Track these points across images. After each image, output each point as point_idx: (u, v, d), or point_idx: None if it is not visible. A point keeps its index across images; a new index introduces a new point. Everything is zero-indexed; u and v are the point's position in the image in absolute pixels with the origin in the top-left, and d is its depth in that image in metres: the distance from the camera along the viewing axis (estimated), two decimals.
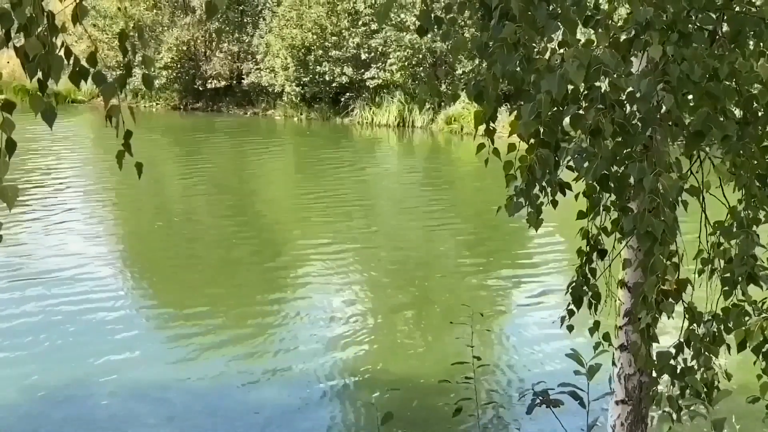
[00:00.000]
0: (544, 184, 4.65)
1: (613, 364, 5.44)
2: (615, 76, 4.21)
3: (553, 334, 12.13)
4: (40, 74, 3.61)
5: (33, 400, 10.76)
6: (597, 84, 4.32)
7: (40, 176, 25.16)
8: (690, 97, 4.63)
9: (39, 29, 3.57)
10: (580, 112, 4.36)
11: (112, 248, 18.60)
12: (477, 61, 31.92)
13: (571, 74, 4.13)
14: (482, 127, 4.74)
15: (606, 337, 5.28)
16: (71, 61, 3.77)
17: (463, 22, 5.28)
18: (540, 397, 4.98)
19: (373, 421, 7.54)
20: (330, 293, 15.47)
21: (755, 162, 4.94)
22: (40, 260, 16.67)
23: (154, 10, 42.31)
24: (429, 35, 31.28)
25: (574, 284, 5.48)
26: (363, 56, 38.90)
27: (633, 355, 5.20)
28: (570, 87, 4.29)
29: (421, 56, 38.14)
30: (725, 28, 4.84)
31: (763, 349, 4.92)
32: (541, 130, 4.49)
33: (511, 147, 4.66)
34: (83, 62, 3.80)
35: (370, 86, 38.87)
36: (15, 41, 3.59)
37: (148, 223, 21.33)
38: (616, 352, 5.43)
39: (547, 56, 4.46)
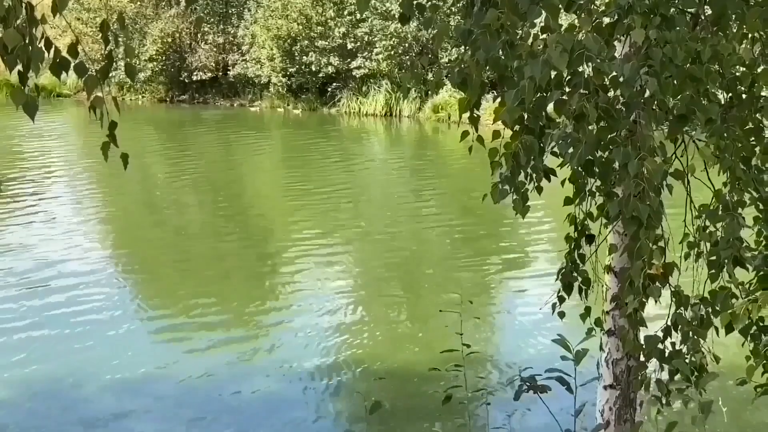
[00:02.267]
0: (529, 170, 4.64)
1: (601, 349, 5.45)
2: (598, 60, 4.20)
3: (542, 319, 12.19)
4: (20, 66, 3.60)
5: (23, 396, 10.72)
6: (580, 69, 4.31)
7: (25, 169, 25.05)
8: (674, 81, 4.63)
9: (18, 21, 3.55)
10: (564, 97, 4.35)
11: (99, 242, 18.53)
12: (462, 49, 31.95)
13: (554, 59, 4.13)
14: (466, 115, 4.73)
15: (598, 322, 5.29)
16: (52, 53, 3.75)
17: (449, 10, 5.27)
18: (527, 383, 4.99)
19: (361, 410, 7.56)
20: (318, 284, 15.45)
21: (739, 144, 4.95)
22: (27, 254, 16.60)
23: (138, 2, 42.10)
24: (413, 23, 31.23)
25: (563, 270, 5.48)
26: (349, 46, 38.80)
27: (620, 340, 5.21)
28: (553, 73, 4.28)
29: (407, 45, 38.08)
30: (708, 11, 4.84)
31: (751, 332, 4.94)
32: (525, 117, 4.48)
33: (496, 134, 4.65)
34: (64, 54, 3.78)
35: (357, 76, 38.79)
36: None
37: (136, 217, 21.28)
38: (603, 337, 5.44)
39: (530, 42, 4.45)
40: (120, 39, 3.83)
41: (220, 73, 42.13)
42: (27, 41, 3.57)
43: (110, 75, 3.95)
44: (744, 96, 5.04)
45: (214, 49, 41.74)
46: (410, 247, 18.08)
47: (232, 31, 41.93)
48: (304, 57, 39.18)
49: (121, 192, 22.93)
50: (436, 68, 5.11)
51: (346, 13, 39.20)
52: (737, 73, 4.84)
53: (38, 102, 3.76)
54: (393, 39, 37.72)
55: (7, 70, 3.63)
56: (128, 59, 3.89)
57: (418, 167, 28.60)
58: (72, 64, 3.81)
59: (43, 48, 3.67)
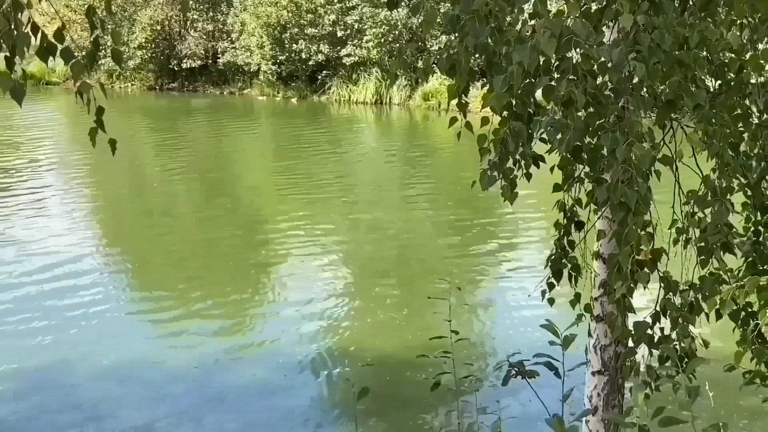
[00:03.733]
0: (517, 157, 4.64)
1: (589, 335, 5.46)
2: (587, 46, 4.19)
3: (530, 305, 12.21)
4: (6, 51, 3.58)
5: (13, 383, 10.72)
6: (568, 55, 4.30)
7: (14, 158, 24.97)
8: (662, 66, 4.62)
9: (3, 6, 3.53)
10: (552, 83, 4.34)
11: (89, 229, 18.48)
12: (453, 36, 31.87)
13: (542, 45, 4.12)
14: (455, 101, 4.72)
15: (587, 308, 5.29)
16: (38, 38, 3.73)
17: None
18: (516, 369, 4.99)
19: (349, 397, 7.56)
20: (308, 271, 15.47)
21: (728, 131, 4.95)
22: (16, 244, 16.57)
23: None
24: (403, 10, 31.04)
25: (553, 257, 5.48)
26: (339, 33, 38.75)
27: (609, 326, 5.22)
28: (542, 58, 4.27)
29: (397, 33, 38.04)
30: None
31: (741, 317, 4.96)
32: (514, 103, 4.47)
33: (485, 120, 4.64)
34: (51, 39, 3.75)
35: (347, 64, 38.75)
36: None
37: (126, 206, 21.24)
38: (591, 323, 5.44)
39: (518, 27, 4.44)
40: (107, 25, 3.78)
41: (210, 61, 42.08)
42: (12, 26, 3.55)
43: (99, 62, 3.93)
44: (732, 82, 5.05)
45: (204, 37, 41.67)
46: (400, 235, 18.10)
47: (221, 19, 41.85)
48: (294, 45, 39.12)
49: (110, 181, 22.88)
50: (426, 55, 5.11)
51: (335, 0, 39.11)
52: (725, 60, 4.84)
53: (26, 88, 3.73)
54: (383, 27, 37.69)
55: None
56: (115, 45, 3.86)
57: (408, 155, 28.60)
58: (58, 50, 3.78)
59: (30, 33, 3.65)
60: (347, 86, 39.04)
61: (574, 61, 4.25)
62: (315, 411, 10.31)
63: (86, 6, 29.29)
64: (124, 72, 41.24)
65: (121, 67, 39.69)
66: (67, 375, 10.98)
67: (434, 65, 4.72)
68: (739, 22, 5.07)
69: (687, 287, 4.98)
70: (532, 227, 18.07)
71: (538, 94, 4.41)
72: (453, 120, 4.74)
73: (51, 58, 3.78)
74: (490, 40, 4.34)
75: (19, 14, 3.60)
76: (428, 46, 34.00)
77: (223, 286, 14.62)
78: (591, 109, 4.36)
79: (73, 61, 3.74)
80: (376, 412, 9.67)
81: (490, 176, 4.56)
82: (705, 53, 4.69)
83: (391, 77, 37.18)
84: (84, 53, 3.80)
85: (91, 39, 3.82)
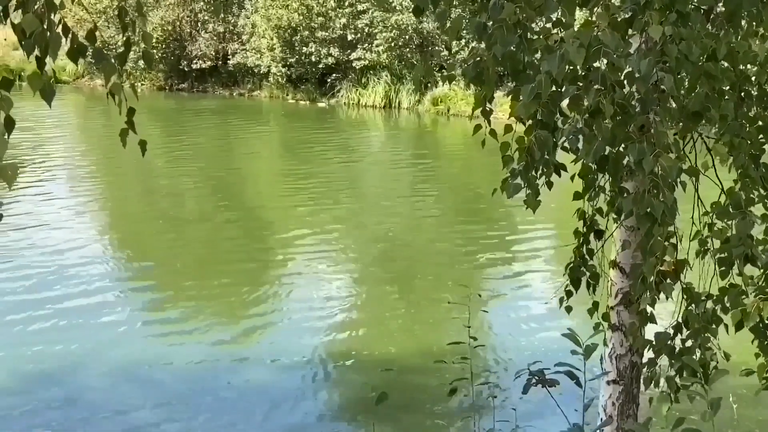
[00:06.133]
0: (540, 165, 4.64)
1: (605, 344, 5.45)
2: (615, 56, 4.20)
3: (549, 314, 12.18)
4: (38, 51, 3.58)
5: (20, 381, 10.73)
6: (596, 65, 4.31)
7: (24, 156, 24.99)
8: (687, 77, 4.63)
9: (36, 6, 3.54)
10: (579, 93, 4.35)
11: (95, 229, 18.49)
12: (463, 42, 32.05)
13: (571, 55, 4.12)
14: (478, 109, 4.72)
15: (606, 317, 5.29)
16: (69, 39, 3.74)
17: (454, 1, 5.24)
18: (536, 377, 4.99)
19: (367, 402, 7.55)
20: (320, 275, 15.43)
21: (749, 142, 4.96)
22: (26, 238, 16.61)
23: None
24: (412, 16, 30.90)
25: (571, 265, 5.48)
26: (349, 37, 38.75)
27: (627, 336, 5.22)
28: (568, 68, 4.27)
29: (407, 37, 38.03)
30: (721, 7, 4.83)
31: (761, 329, 4.95)
32: (539, 112, 4.47)
33: (508, 128, 4.65)
34: (81, 40, 3.77)
35: (357, 67, 38.75)
36: (13, 18, 3.56)
37: (134, 204, 21.26)
38: (608, 332, 5.44)
39: (544, 37, 4.44)
40: (137, 26, 3.80)
41: (220, 62, 42.08)
42: (45, 26, 3.56)
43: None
44: (755, 94, 5.05)
45: (214, 38, 41.68)
46: (413, 240, 18.07)
47: (232, 20, 41.88)
48: (304, 47, 39.13)
49: (119, 178, 22.92)
50: (446, 62, 5.11)
51: (346, 4, 39.13)
52: (751, 73, 4.84)
53: (55, 88, 3.75)
54: (393, 31, 37.68)
55: (25, 55, 3.62)
56: (146, 47, 3.88)
57: (418, 159, 28.59)
58: (88, 51, 3.80)
59: (61, 34, 3.66)
60: (356, 90, 39.03)
61: (602, 71, 4.25)
62: (332, 415, 10.29)
63: (97, 4, 29.22)
64: (135, 72, 41.28)
65: (151, 68, 39.88)
66: (71, 373, 10.99)
67: (460, 72, 4.72)
68: (761, 33, 5.07)
69: (707, 298, 4.98)
70: (547, 235, 18.01)
71: (564, 103, 4.41)
72: (477, 127, 4.74)
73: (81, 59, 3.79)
74: (517, 49, 4.35)
75: (52, 14, 3.61)
76: (450, 51, 33.85)
77: (231, 287, 14.58)
78: (617, 119, 4.37)
79: (105, 62, 3.75)
80: (393, 416, 9.65)
81: (515, 184, 4.56)
82: (728, 65, 4.69)
83: (415, 83, 37.21)
84: (115, 54, 3.81)
85: (123, 41, 3.83)
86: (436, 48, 37.13)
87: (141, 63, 40.72)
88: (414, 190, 23.28)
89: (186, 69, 41.96)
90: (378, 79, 38.63)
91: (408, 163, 28.15)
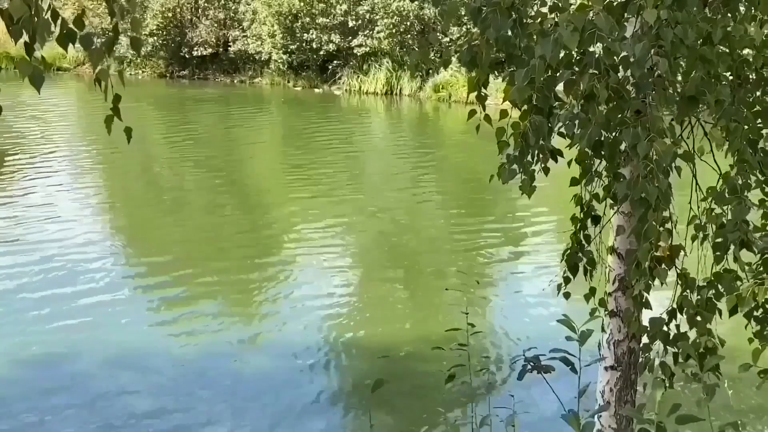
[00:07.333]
0: (536, 151, 4.61)
1: (603, 330, 5.44)
2: (609, 40, 4.16)
3: (546, 301, 12.17)
4: (26, 37, 3.55)
5: (19, 368, 10.73)
6: (591, 49, 4.27)
7: (25, 144, 24.98)
8: (683, 61, 4.59)
9: None
10: (574, 77, 4.31)
11: (97, 218, 18.47)
12: (465, 28, 32.00)
13: (565, 39, 4.09)
14: (473, 94, 4.69)
15: (601, 303, 5.27)
16: (58, 24, 3.71)
17: None
18: (531, 363, 4.97)
19: (364, 389, 7.55)
20: (319, 262, 15.43)
21: (746, 127, 4.92)
22: (25, 224, 16.61)
23: None
24: (418, 1, 31.02)
25: (569, 251, 5.46)
26: (350, 24, 38.68)
27: (623, 321, 5.20)
28: (563, 52, 4.24)
29: (408, 23, 37.95)
30: None
31: (755, 314, 4.93)
32: (534, 96, 4.44)
33: (503, 113, 4.62)
34: (71, 25, 3.73)
35: (358, 54, 38.69)
36: (1, 3, 3.53)
37: (136, 193, 21.24)
38: (605, 318, 5.43)
39: (539, 21, 4.41)
40: (125, 12, 3.77)
41: (221, 49, 42.03)
42: (33, 12, 3.52)
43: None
44: (752, 78, 5.01)
45: (215, 25, 41.62)
46: (412, 226, 18.07)
47: (233, 7, 41.79)
48: (305, 34, 39.06)
49: (120, 167, 22.90)
50: (444, 47, 5.08)
51: None
52: (748, 56, 4.80)
53: (44, 74, 3.71)
54: (394, 17, 37.60)
55: (12, 41, 3.58)
56: (135, 33, 3.84)
57: (419, 146, 28.56)
58: (78, 36, 3.76)
59: (50, 19, 3.62)
60: (358, 76, 38.98)
61: (597, 55, 4.22)
62: (329, 402, 10.29)
63: None
64: (135, 59, 41.22)
65: (139, 55, 39.73)
66: (74, 362, 10.98)
67: (455, 57, 4.69)
68: (759, 18, 5.02)
69: (703, 284, 4.96)
70: (545, 220, 18.00)
71: (559, 87, 4.38)
72: (472, 112, 4.71)
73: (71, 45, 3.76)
74: (511, 33, 4.32)
75: (40, 0, 3.58)
76: (446, 36, 33.76)
77: (232, 275, 14.59)
78: (612, 104, 4.34)
79: (92, 48, 3.71)
80: (390, 403, 9.65)
81: (510, 170, 4.53)
82: (725, 49, 4.66)
83: (411, 69, 37.11)
84: (98, 41, 3.77)
85: (111, 26, 3.79)
86: (435, 34, 37.04)
87: (142, 50, 40.90)
88: (414, 177, 23.25)
89: (187, 56, 41.91)
90: (379, 65, 38.58)
91: (409, 149, 28.12)
